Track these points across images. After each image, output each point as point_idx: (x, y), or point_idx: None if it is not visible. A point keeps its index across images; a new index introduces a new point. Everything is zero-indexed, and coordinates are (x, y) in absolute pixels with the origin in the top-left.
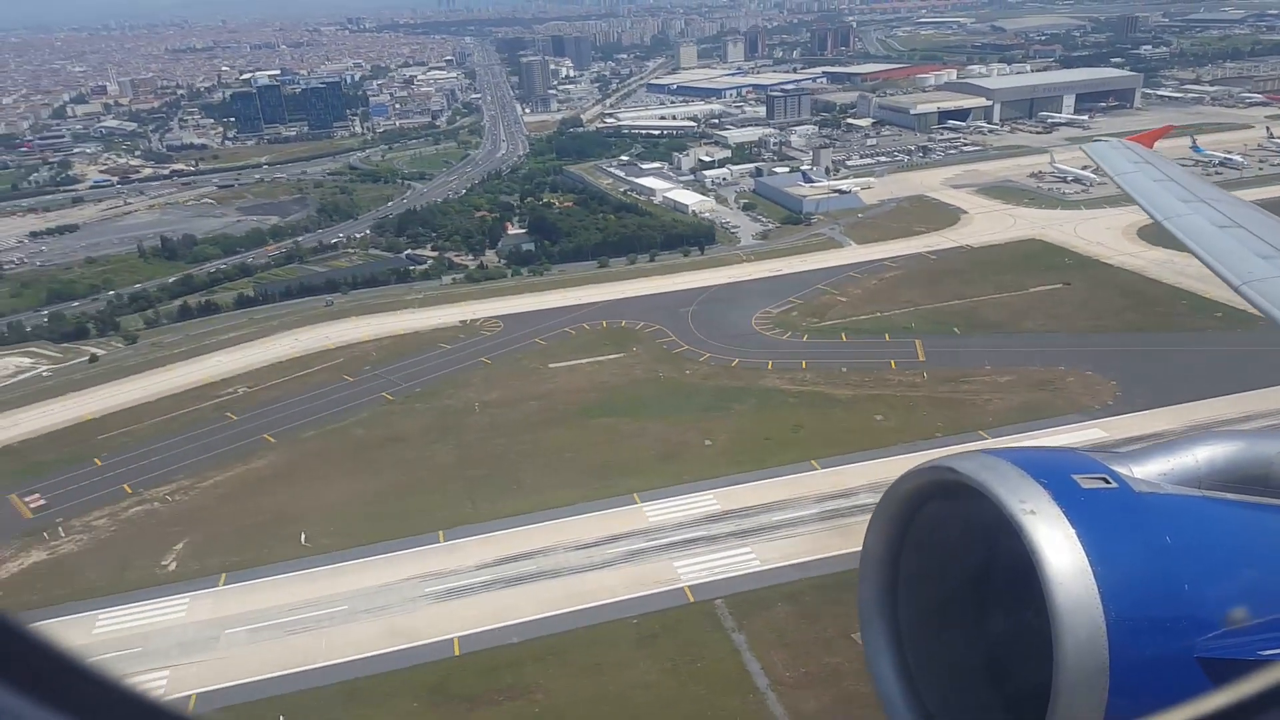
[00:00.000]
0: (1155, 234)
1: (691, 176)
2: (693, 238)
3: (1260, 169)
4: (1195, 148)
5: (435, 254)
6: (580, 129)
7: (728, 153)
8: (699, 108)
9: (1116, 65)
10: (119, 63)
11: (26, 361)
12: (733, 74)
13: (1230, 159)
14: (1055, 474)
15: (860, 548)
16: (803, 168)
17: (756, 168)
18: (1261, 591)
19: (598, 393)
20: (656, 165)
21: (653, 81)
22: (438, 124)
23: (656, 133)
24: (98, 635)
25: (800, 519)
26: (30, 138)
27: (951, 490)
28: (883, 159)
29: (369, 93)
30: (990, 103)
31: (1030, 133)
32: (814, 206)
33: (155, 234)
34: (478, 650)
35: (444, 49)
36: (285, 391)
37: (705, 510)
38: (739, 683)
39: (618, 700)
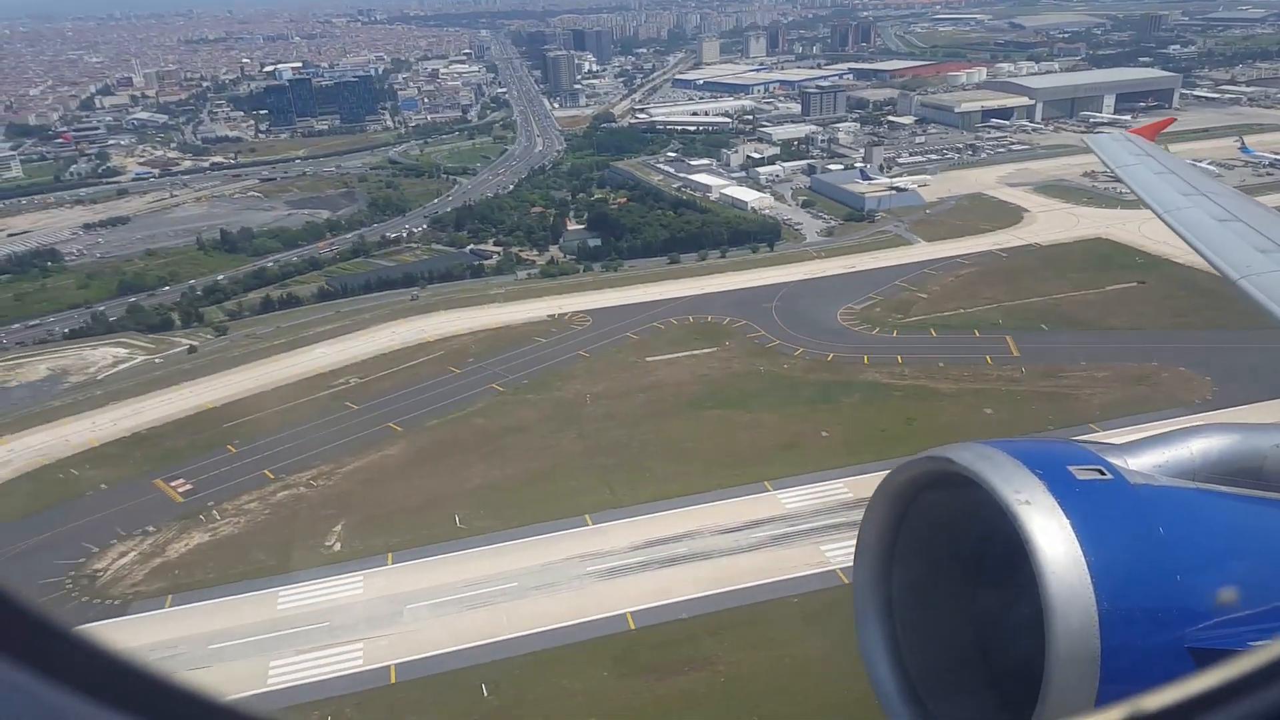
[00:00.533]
0: None
1: (743, 173)
2: (760, 234)
3: None
4: (1244, 149)
5: (499, 249)
6: (613, 124)
7: (775, 150)
8: (729, 103)
9: (1145, 65)
10: (135, 54)
11: (123, 352)
12: (757, 69)
13: None
14: (1050, 465)
15: None
16: (856, 164)
17: (809, 164)
18: (1253, 583)
19: (701, 385)
20: (705, 162)
21: (678, 77)
22: (469, 118)
23: (692, 129)
24: (282, 611)
25: None
26: (64, 128)
27: (947, 480)
28: (933, 157)
29: (395, 86)
30: (1032, 102)
31: (1074, 132)
32: (876, 203)
33: (208, 227)
34: (651, 625)
35: (460, 42)
36: (396, 382)
37: (839, 498)
38: None
39: (797, 670)
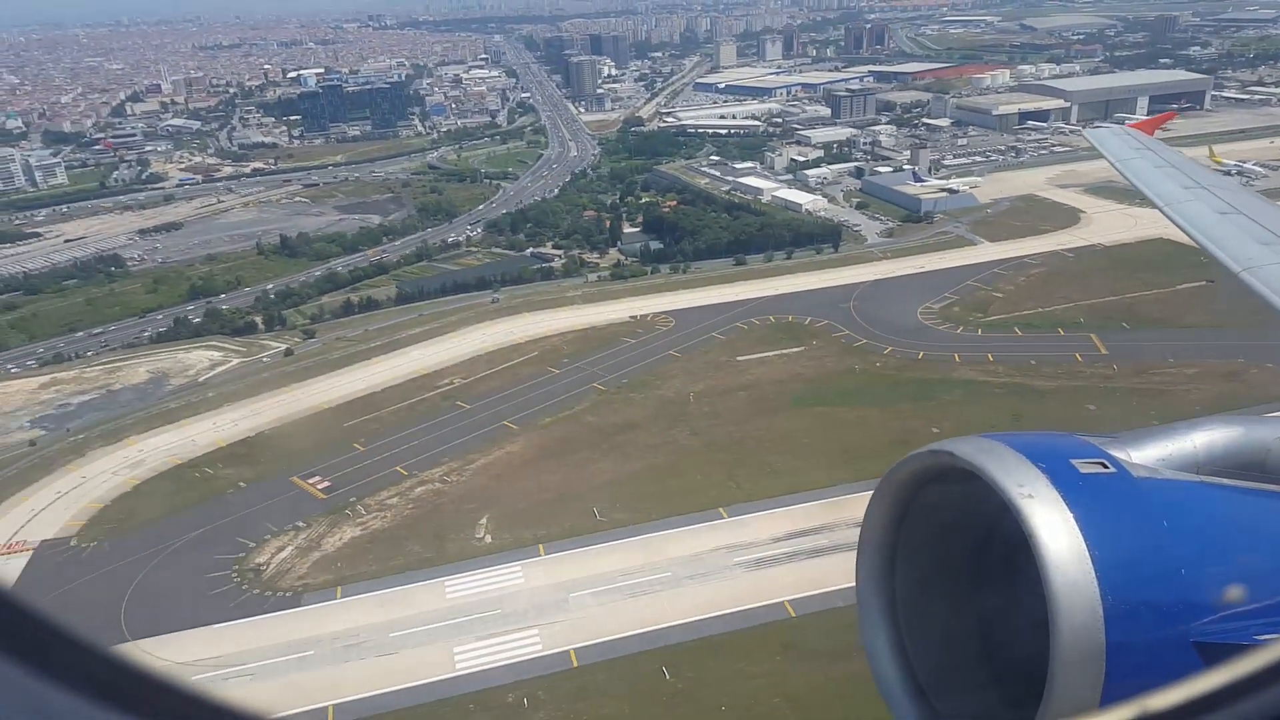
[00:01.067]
0: None
1: (789, 176)
2: (821, 236)
3: None
4: None
5: (559, 253)
6: (643, 128)
7: (819, 153)
8: (755, 107)
9: (1166, 66)
10: (155, 60)
11: (216, 355)
12: (776, 73)
13: None
14: (1053, 458)
15: None
16: (905, 166)
17: (856, 167)
18: (1258, 576)
19: (798, 383)
20: (748, 165)
21: (699, 80)
22: (498, 123)
23: (723, 132)
24: (451, 600)
25: None
26: (103, 135)
27: (950, 474)
28: (977, 159)
29: (421, 91)
30: (1068, 104)
31: None
32: (932, 205)
33: (263, 232)
34: (811, 613)
35: (474, 47)
36: (500, 382)
37: None
38: None
39: None
